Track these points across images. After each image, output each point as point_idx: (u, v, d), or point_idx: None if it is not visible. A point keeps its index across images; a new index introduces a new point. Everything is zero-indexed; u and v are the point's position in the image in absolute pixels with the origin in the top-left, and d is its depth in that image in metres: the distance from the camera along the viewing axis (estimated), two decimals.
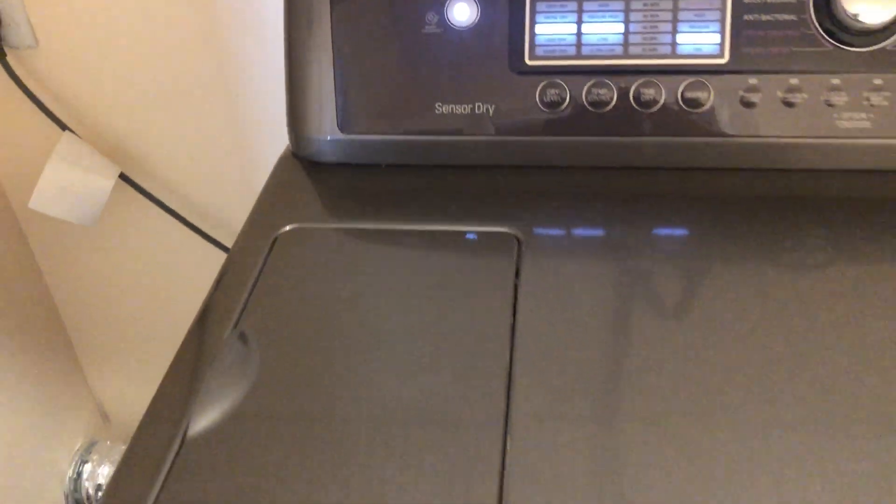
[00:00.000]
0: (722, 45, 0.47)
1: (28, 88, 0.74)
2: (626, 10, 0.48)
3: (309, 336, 0.40)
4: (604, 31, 0.48)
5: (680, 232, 0.46)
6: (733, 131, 0.48)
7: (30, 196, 0.79)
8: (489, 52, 0.49)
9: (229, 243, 0.81)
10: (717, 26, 0.47)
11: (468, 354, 0.38)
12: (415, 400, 0.36)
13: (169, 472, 0.34)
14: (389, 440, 0.34)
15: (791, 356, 0.37)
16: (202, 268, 0.86)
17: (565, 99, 0.49)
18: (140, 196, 0.79)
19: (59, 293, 0.92)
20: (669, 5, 0.47)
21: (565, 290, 0.42)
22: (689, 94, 0.48)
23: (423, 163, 0.52)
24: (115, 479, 0.34)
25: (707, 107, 0.48)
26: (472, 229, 0.46)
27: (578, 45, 0.48)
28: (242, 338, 0.40)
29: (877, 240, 0.44)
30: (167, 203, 0.80)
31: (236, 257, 0.46)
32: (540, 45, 0.49)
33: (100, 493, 0.96)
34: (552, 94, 0.49)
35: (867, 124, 0.47)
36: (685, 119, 0.49)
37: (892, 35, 0.46)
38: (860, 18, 0.45)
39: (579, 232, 0.46)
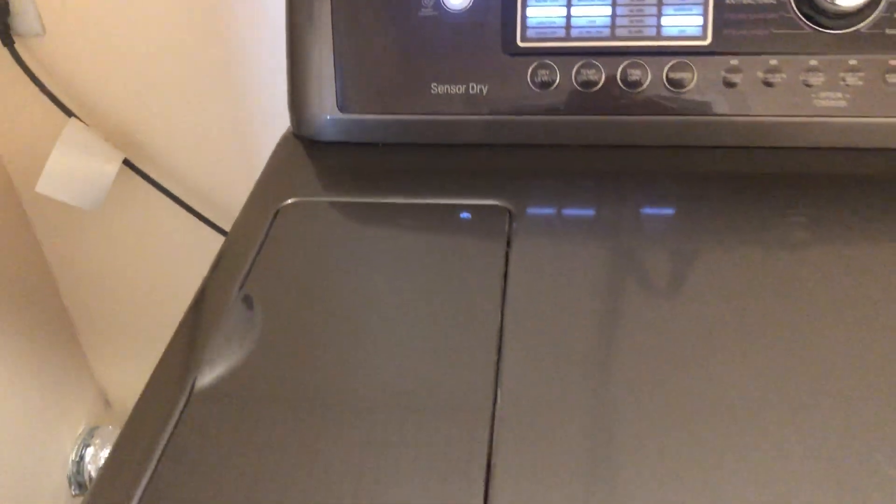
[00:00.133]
0: (705, 27, 0.49)
1: (35, 75, 0.75)
2: None
3: (310, 302, 0.42)
4: (592, 13, 0.50)
5: (665, 206, 0.48)
6: (716, 110, 0.50)
7: (35, 181, 0.81)
8: (482, 34, 0.51)
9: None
10: (700, 9, 0.49)
11: (461, 319, 0.40)
12: (408, 365, 0.38)
13: (165, 448, 0.36)
14: (382, 406, 0.36)
15: (781, 333, 0.39)
16: (204, 253, 0.88)
17: (555, 79, 0.51)
18: (143, 182, 0.81)
19: (62, 279, 0.93)
20: None
21: (554, 259, 0.44)
22: (673, 75, 0.50)
23: (420, 141, 0.54)
24: (113, 455, 0.36)
25: (691, 87, 0.50)
26: (465, 202, 0.48)
27: (568, 27, 0.50)
28: (246, 301, 0.42)
29: (856, 216, 0.46)
30: (170, 189, 0.82)
31: (240, 228, 0.48)
32: (531, 28, 0.51)
33: None
34: (543, 74, 0.51)
35: (843, 103, 0.49)
36: (670, 99, 0.51)
37: (866, 18, 0.48)
38: (836, 2, 0.48)
39: (569, 206, 0.48)
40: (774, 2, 0.49)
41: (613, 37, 0.50)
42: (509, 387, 0.36)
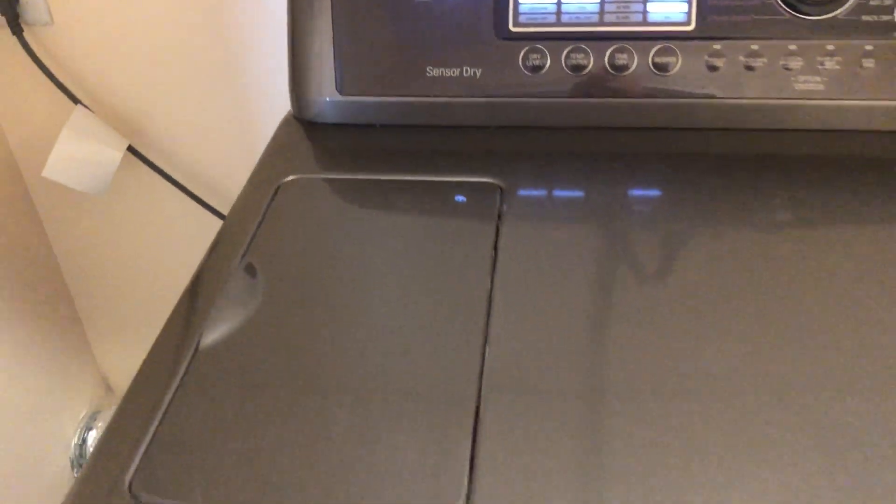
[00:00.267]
0: (689, 13, 0.51)
1: (43, 63, 0.78)
2: None
3: (309, 272, 0.44)
4: (582, 0, 0.52)
5: (650, 185, 0.50)
6: (699, 93, 0.53)
7: (41, 167, 0.83)
8: (476, 19, 0.53)
9: None
10: None
11: (453, 287, 0.42)
12: (400, 330, 0.40)
13: (167, 408, 0.38)
14: (373, 374, 0.38)
15: (763, 307, 0.41)
16: (207, 239, 0.90)
17: (546, 63, 0.53)
18: (147, 168, 0.83)
19: (66, 265, 0.95)
20: None
21: (542, 231, 0.46)
22: (658, 59, 0.52)
23: (416, 123, 0.56)
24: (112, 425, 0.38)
25: (675, 71, 0.52)
26: (458, 180, 0.51)
27: (558, 13, 0.53)
28: (247, 270, 0.44)
29: (835, 195, 0.48)
30: (173, 176, 0.84)
31: (242, 203, 0.50)
32: (523, 13, 0.53)
33: None
34: (534, 58, 0.53)
35: (821, 87, 0.51)
36: (656, 82, 0.53)
37: (843, 5, 0.50)
38: None
39: (558, 184, 0.50)
40: None
41: (602, 22, 0.52)
42: (496, 349, 0.38)
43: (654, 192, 0.49)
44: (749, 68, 0.52)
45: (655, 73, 0.52)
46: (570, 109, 0.54)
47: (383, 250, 0.45)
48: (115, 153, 0.80)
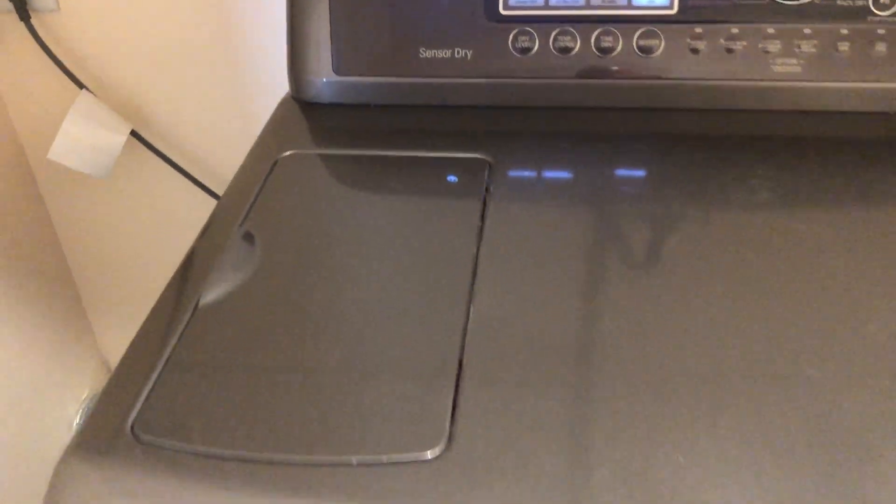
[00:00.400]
0: None
1: (49, 49, 0.80)
2: None
3: (306, 236, 0.46)
4: None
5: (633, 161, 0.52)
6: (681, 75, 0.55)
7: (45, 151, 0.85)
8: (468, 2, 0.55)
9: None
10: None
11: (441, 251, 0.44)
12: (390, 287, 0.42)
13: (171, 353, 0.40)
14: (362, 329, 0.40)
15: (748, 283, 0.43)
16: None
17: (535, 45, 0.55)
18: (150, 153, 0.85)
19: (69, 247, 0.98)
20: None
21: (527, 203, 0.48)
22: (642, 42, 0.54)
23: (409, 102, 0.58)
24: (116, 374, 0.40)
25: (658, 53, 0.54)
26: (448, 155, 0.53)
27: None
28: (246, 235, 0.46)
29: (812, 173, 0.50)
30: (175, 160, 0.86)
31: (242, 175, 0.52)
32: None
33: None
34: (523, 40, 0.55)
35: (798, 69, 0.53)
36: (639, 64, 0.55)
37: None
38: None
39: (544, 160, 0.52)
40: None
41: (588, 6, 0.54)
42: (481, 307, 0.40)
43: (636, 168, 0.51)
44: (729, 51, 0.54)
45: (639, 56, 0.55)
46: (557, 90, 0.56)
47: (375, 219, 0.47)
48: (118, 137, 0.83)
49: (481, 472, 0.33)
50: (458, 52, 0.56)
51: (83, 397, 1.04)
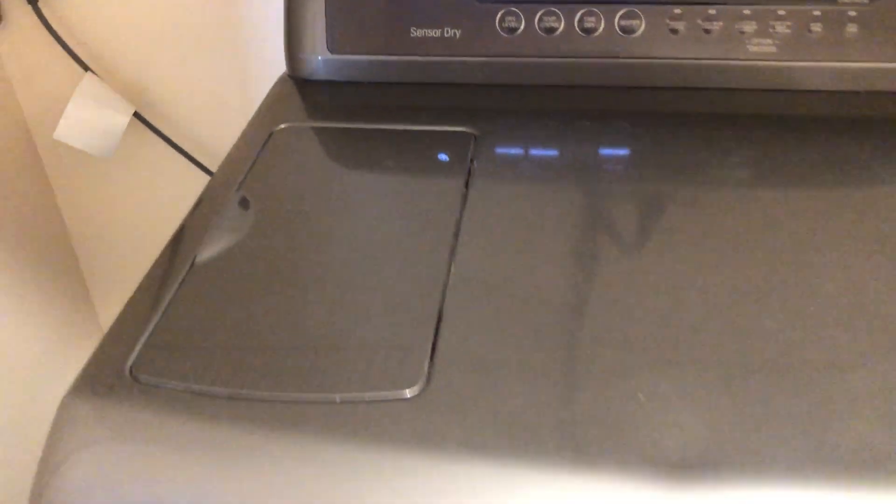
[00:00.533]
0: None
1: (56, 33, 0.82)
2: None
3: (298, 200, 0.49)
4: None
5: (614, 135, 0.54)
6: (661, 54, 0.57)
7: (51, 131, 0.88)
8: None
9: None
10: None
11: (426, 213, 0.47)
12: (375, 246, 0.45)
13: (169, 303, 0.42)
14: (348, 280, 0.43)
15: (725, 245, 0.45)
16: None
17: (521, 25, 0.58)
18: (152, 134, 0.88)
19: (72, 225, 1.00)
20: None
21: (510, 171, 0.50)
22: (624, 22, 0.57)
23: (400, 80, 0.60)
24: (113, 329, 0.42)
25: (639, 33, 0.57)
26: (436, 129, 0.55)
27: None
28: (241, 201, 0.49)
29: (784, 150, 0.52)
30: (177, 142, 0.88)
31: (239, 145, 0.54)
32: None
33: None
34: (510, 20, 0.58)
35: (773, 49, 0.56)
36: (621, 44, 0.57)
37: None
38: None
39: (527, 133, 0.55)
40: None
41: None
42: (462, 263, 0.43)
43: (615, 141, 0.53)
44: (707, 31, 0.56)
45: (621, 35, 0.57)
46: (542, 69, 0.59)
47: (364, 185, 0.49)
48: (121, 118, 0.85)
49: (456, 410, 0.35)
50: (448, 32, 0.58)
51: None
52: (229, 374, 0.37)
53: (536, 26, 0.58)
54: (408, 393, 0.36)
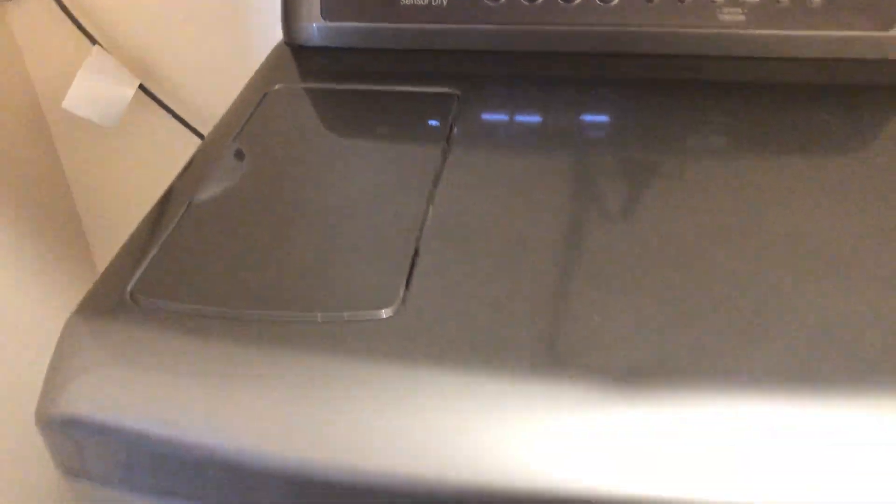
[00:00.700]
0: None
1: (66, 7, 0.86)
2: None
3: (289, 151, 0.52)
4: None
5: (591, 96, 0.57)
6: (636, 22, 0.60)
7: (59, 101, 0.91)
8: None
9: None
10: None
11: (408, 164, 0.50)
12: (359, 192, 0.48)
13: (166, 239, 0.46)
14: (332, 218, 0.46)
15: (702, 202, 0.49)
16: None
17: None
18: (155, 105, 0.91)
19: (78, 193, 1.04)
20: None
21: (490, 127, 0.53)
22: None
23: (390, 46, 0.64)
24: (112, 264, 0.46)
25: (616, 1, 0.60)
26: (422, 90, 0.58)
27: None
28: (237, 152, 0.52)
29: (757, 115, 0.55)
30: (180, 113, 0.92)
31: (235, 104, 0.58)
32: None
33: None
34: None
35: (742, 18, 0.59)
36: (599, 12, 0.60)
37: None
38: None
39: (508, 94, 0.58)
40: None
41: None
42: (440, 204, 0.46)
43: (592, 101, 0.56)
44: (680, 0, 0.59)
45: (599, 3, 0.60)
46: (524, 36, 0.62)
47: (351, 138, 0.53)
48: (127, 90, 0.88)
49: (428, 330, 0.38)
50: (435, 0, 0.62)
51: None
52: (221, 297, 0.40)
53: None
54: (383, 313, 0.39)
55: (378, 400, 0.36)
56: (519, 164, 0.49)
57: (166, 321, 0.40)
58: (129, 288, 0.42)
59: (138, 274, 0.42)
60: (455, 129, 0.53)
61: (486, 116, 0.54)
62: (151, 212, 0.48)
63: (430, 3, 0.62)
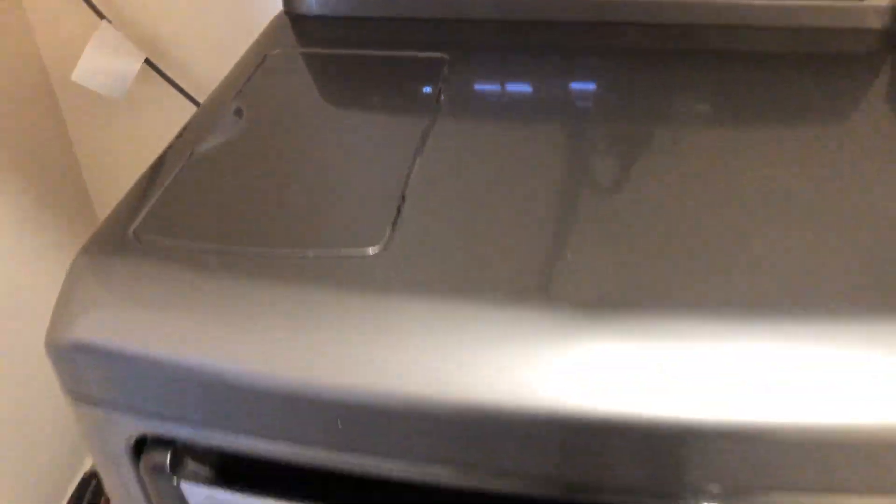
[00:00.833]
0: None
1: None
2: None
3: (286, 112, 0.55)
4: None
5: (575, 60, 0.60)
6: None
7: (68, 74, 0.94)
8: None
9: None
10: None
11: (398, 119, 0.53)
12: (352, 142, 0.51)
13: (168, 186, 0.48)
14: (322, 171, 0.49)
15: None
16: None
17: None
18: (160, 79, 0.94)
19: (85, 162, 1.07)
20: None
21: (477, 89, 0.56)
22: None
23: (385, 14, 0.66)
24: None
25: None
26: (412, 55, 0.61)
27: None
28: (236, 110, 0.55)
29: (740, 82, 0.57)
30: (184, 87, 0.95)
31: (236, 66, 0.60)
32: None
33: None
34: None
35: None
36: None
37: None
38: None
39: (495, 59, 0.60)
40: None
41: None
42: (427, 157, 0.48)
43: (575, 62, 0.59)
44: None
45: None
46: (513, 4, 0.64)
47: (344, 98, 0.55)
48: (133, 64, 0.91)
49: (410, 265, 0.41)
50: None
51: None
52: (220, 235, 0.43)
53: None
54: (370, 251, 0.41)
55: (361, 326, 0.39)
56: (504, 123, 0.52)
57: (167, 257, 0.42)
58: (132, 228, 0.44)
59: (141, 216, 0.45)
60: (444, 91, 0.56)
61: (474, 79, 0.57)
62: (154, 162, 0.51)
63: None
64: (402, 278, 0.40)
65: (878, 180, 0.45)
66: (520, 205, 0.44)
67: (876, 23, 0.62)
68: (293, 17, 0.68)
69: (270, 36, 0.66)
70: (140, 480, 0.45)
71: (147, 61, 0.93)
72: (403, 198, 0.45)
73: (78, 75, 0.89)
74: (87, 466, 1.15)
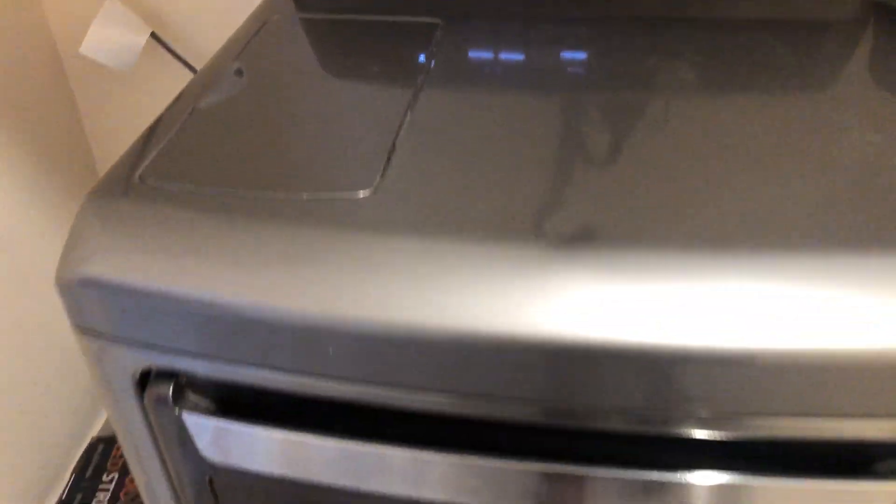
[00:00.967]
0: None
1: None
2: None
3: (286, 71, 0.57)
4: None
5: (568, 35, 0.62)
6: None
7: (76, 46, 0.97)
8: None
9: None
10: None
11: (391, 78, 0.55)
12: (345, 97, 0.53)
13: (171, 137, 0.51)
14: (318, 123, 0.51)
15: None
16: None
17: None
18: (165, 52, 0.97)
19: (92, 132, 1.10)
20: None
21: (467, 52, 0.58)
22: None
23: None
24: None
25: None
26: (407, 20, 0.63)
27: None
28: (237, 70, 0.57)
29: (724, 46, 0.59)
30: (188, 59, 0.97)
31: (237, 31, 0.63)
32: None
33: None
34: None
35: None
36: None
37: None
38: None
39: (485, 27, 0.63)
40: None
41: None
42: (417, 112, 0.51)
43: (560, 30, 0.61)
44: None
45: None
46: None
47: (340, 60, 0.58)
48: (139, 37, 0.94)
49: (397, 208, 0.43)
50: None
51: None
52: (220, 179, 0.45)
53: None
54: (360, 194, 0.44)
55: (350, 262, 0.42)
56: (493, 83, 0.54)
57: (170, 199, 0.45)
58: (137, 173, 0.47)
59: (146, 162, 0.48)
60: (436, 54, 0.58)
61: (464, 42, 0.59)
62: (159, 117, 0.54)
63: None
64: (388, 219, 0.42)
65: (847, 135, 0.47)
66: (506, 156, 0.47)
67: None
68: None
69: (270, 3, 0.68)
70: (144, 412, 0.48)
71: (153, 35, 0.95)
72: (394, 147, 0.48)
73: (86, 48, 0.92)
74: (94, 431, 1.18)
